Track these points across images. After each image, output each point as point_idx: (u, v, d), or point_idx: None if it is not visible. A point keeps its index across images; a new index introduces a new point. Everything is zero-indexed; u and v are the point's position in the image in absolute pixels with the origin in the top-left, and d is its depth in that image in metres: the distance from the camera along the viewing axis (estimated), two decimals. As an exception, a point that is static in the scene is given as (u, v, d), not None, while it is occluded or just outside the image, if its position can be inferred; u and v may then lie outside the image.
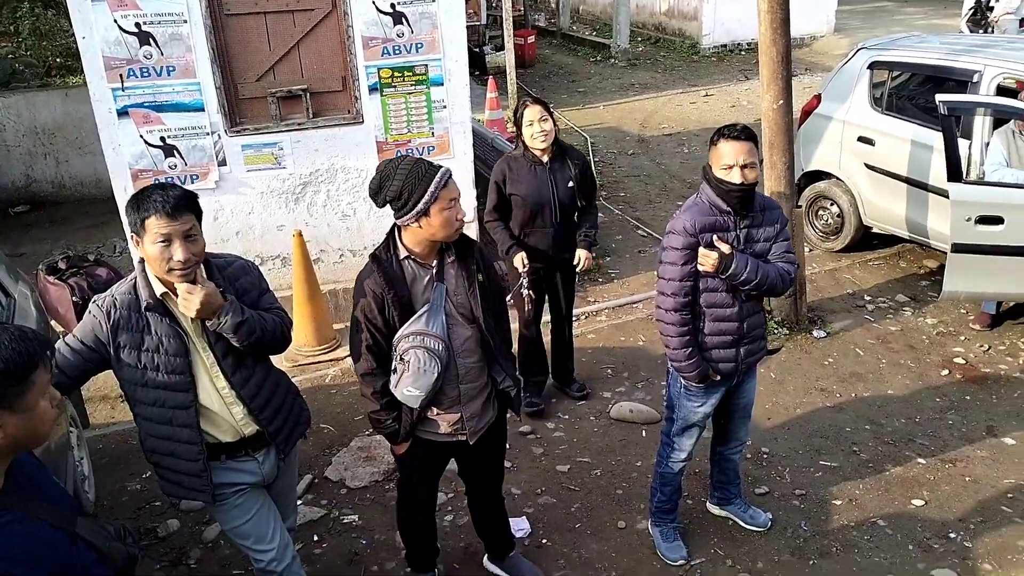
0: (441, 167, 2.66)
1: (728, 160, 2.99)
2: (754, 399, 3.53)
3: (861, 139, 6.12)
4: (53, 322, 4.38)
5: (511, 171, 4.26)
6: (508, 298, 4.37)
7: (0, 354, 1.67)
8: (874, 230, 6.31)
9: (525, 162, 4.26)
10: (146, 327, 2.47)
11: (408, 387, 2.73)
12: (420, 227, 2.65)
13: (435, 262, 2.77)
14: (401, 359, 2.72)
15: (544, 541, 3.73)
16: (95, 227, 7.90)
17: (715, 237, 3.06)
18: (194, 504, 3.86)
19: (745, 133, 3.01)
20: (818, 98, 6.61)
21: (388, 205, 2.67)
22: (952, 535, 3.66)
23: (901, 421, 4.49)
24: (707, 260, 3.03)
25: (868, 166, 6.09)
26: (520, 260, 4.21)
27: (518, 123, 4.24)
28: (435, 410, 2.88)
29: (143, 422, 2.59)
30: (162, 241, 2.35)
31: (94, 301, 2.51)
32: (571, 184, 4.29)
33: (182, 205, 2.37)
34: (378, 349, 2.77)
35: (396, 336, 2.72)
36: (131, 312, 2.47)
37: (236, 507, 2.71)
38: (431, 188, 2.59)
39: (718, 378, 3.26)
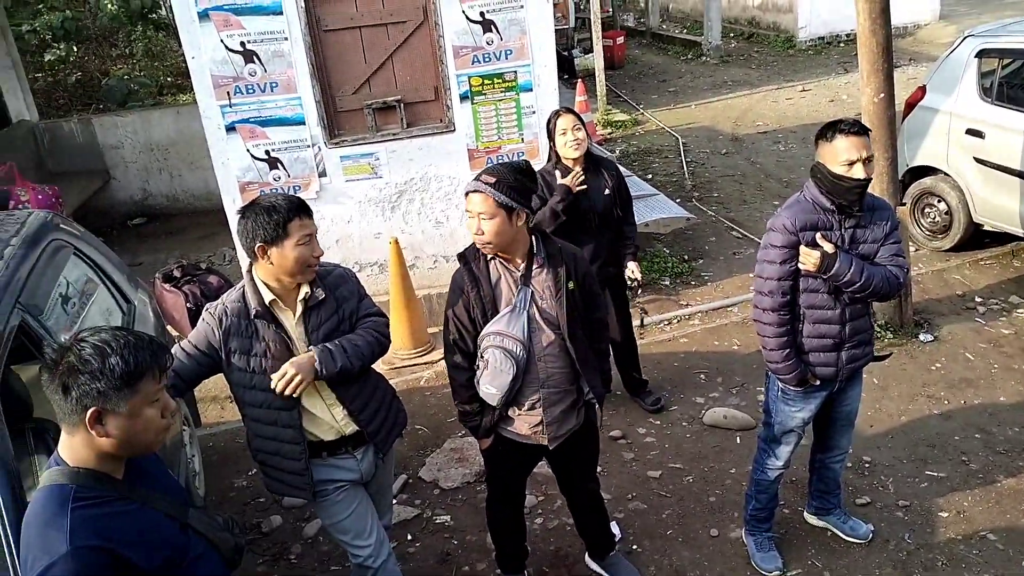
0: (475, 180, 2.70)
1: (850, 155, 2.86)
2: (858, 407, 3.41)
3: (970, 132, 5.83)
4: (169, 327, 4.65)
5: (547, 185, 4.16)
6: None
7: (108, 360, 1.78)
8: (985, 228, 5.98)
9: (559, 173, 4.19)
10: (255, 333, 2.61)
11: (487, 385, 2.82)
12: None
13: (523, 265, 2.81)
14: (482, 356, 2.81)
15: (635, 547, 3.72)
16: (206, 237, 8.34)
17: (818, 235, 2.97)
18: (296, 501, 4.04)
19: (859, 126, 2.90)
20: (923, 90, 6.32)
21: None
22: (1072, 552, 3.46)
23: (1015, 430, 4.25)
24: (808, 259, 2.95)
25: (978, 160, 5.79)
26: None
27: (551, 133, 4.18)
28: (516, 410, 2.93)
29: (251, 423, 2.75)
30: (306, 240, 2.54)
31: (207, 309, 2.68)
32: (607, 192, 4.22)
33: (308, 206, 2.60)
34: (464, 345, 2.87)
35: (481, 334, 2.79)
36: (240, 319, 2.62)
37: (337, 503, 2.84)
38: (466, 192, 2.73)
39: (817, 383, 3.17)
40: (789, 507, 3.84)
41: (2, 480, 2.25)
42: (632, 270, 4.36)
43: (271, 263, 2.55)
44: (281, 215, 2.50)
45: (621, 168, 4.80)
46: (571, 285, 2.83)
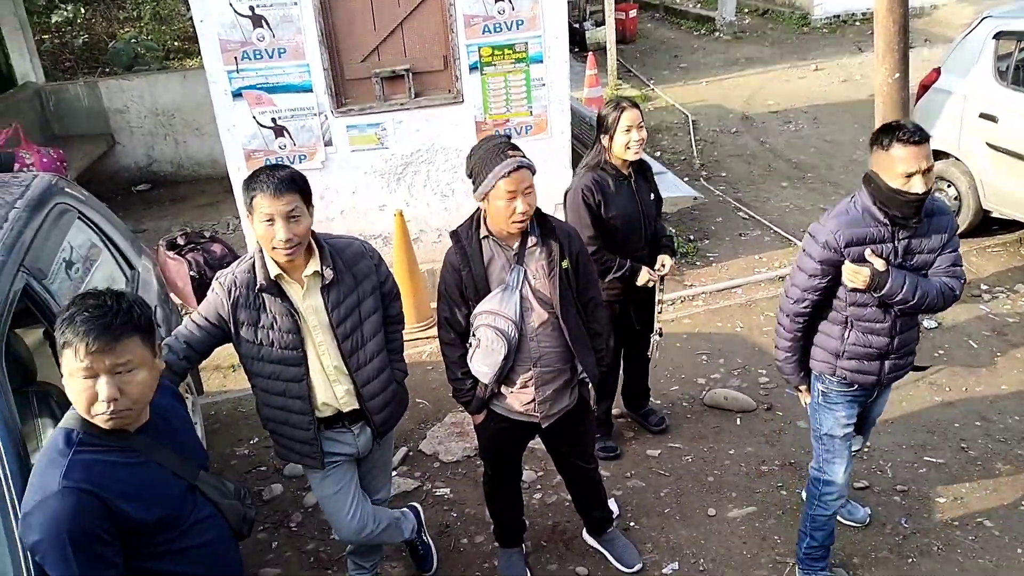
0: (512, 157, 2.60)
1: (909, 167, 2.59)
2: (884, 409, 3.42)
3: (983, 115, 5.76)
4: (172, 295, 4.66)
5: (602, 190, 3.66)
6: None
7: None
8: (994, 214, 5.94)
9: (611, 178, 3.69)
10: (262, 306, 2.61)
11: (479, 363, 2.82)
12: (486, 209, 2.72)
13: (516, 244, 2.78)
14: (474, 335, 2.81)
15: (632, 524, 3.75)
16: (211, 205, 8.32)
17: (868, 251, 2.74)
18: (297, 470, 4.07)
19: (921, 134, 2.63)
20: (938, 71, 6.25)
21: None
22: (1068, 541, 3.47)
23: (1015, 418, 4.25)
24: (857, 277, 2.73)
25: (990, 145, 5.72)
26: (647, 273, 3.78)
27: (610, 129, 3.61)
28: (508, 388, 2.93)
29: (260, 393, 2.77)
30: (267, 220, 2.47)
31: (216, 279, 2.66)
32: (652, 196, 3.84)
33: (285, 186, 2.47)
34: (455, 322, 2.86)
35: (474, 312, 2.79)
36: (249, 291, 2.60)
37: (327, 478, 2.86)
38: (490, 175, 2.60)
39: (855, 386, 3.04)
40: (787, 488, 3.86)
41: (7, 443, 2.25)
42: (663, 262, 3.90)
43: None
44: (249, 193, 2.48)
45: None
46: (565, 264, 2.81)
